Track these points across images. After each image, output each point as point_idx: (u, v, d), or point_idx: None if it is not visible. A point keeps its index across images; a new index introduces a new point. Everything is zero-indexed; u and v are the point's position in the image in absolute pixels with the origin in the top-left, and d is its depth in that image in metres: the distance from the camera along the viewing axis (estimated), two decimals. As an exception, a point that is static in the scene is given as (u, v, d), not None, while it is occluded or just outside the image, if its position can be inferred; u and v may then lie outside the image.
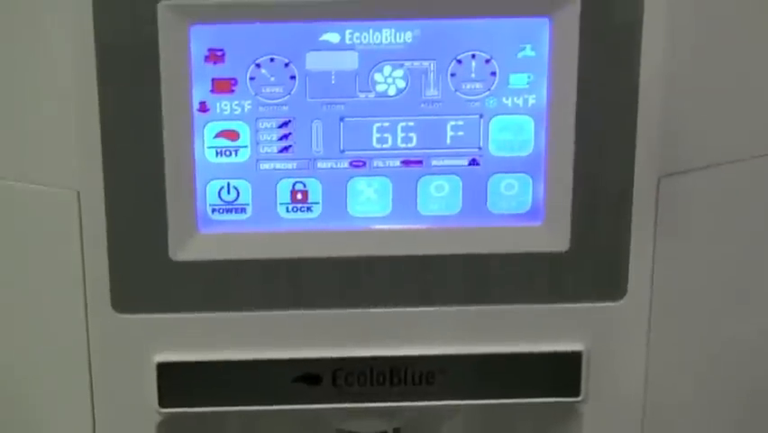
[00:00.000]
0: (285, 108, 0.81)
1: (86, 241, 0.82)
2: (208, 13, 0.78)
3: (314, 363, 0.85)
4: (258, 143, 0.82)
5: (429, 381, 0.85)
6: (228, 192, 0.83)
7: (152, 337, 0.85)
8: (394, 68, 0.80)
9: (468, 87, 0.81)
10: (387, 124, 0.82)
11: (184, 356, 0.85)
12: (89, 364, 0.85)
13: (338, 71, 0.80)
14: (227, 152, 0.82)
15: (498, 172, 0.83)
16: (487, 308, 0.85)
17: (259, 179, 0.83)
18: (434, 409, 0.88)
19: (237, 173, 0.82)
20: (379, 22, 0.80)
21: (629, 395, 0.88)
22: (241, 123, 0.81)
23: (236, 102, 0.81)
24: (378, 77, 0.80)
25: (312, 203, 0.83)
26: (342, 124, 0.81)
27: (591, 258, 0.84)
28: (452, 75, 0.80)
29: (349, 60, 0.80)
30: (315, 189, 0.83)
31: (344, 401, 0.86)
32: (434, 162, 0.83)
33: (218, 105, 0.81)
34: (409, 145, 0.82)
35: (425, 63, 0.80)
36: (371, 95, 0.81)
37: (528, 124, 0.82)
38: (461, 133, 0.82)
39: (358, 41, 0.80)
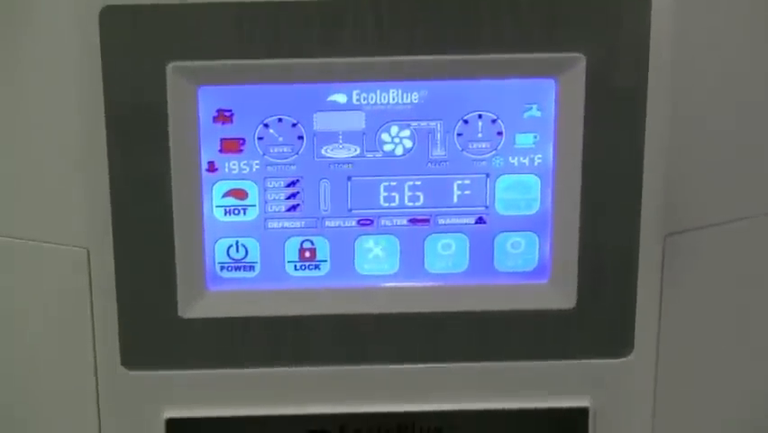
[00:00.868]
0: (293, 168, 0.81)
1: (96, 298, 0.82)
2: (217, 74, 0.78)
3: (322, 419, 0.85)
4: (266, 202, 0.81)
5: None
6: (237, 250, 0.82)
7: (161, 393, 0.84)
8: (401, 128, 0.80)
9: (474, 146, 0.81)
10: (394, 183, 0.82)
11: (193, 412, 0.85)
12: (99, 420, 0.85)
13: (345, 131, 0.80)
14: (235, 211, 0.82)
15: (504, 231, 0.83)
16: (494, 365, 0.84)
17: (267, 237, 0.82)
18: None
19: (245, 232, 0.82)
20: (386, 83, 0.80)
21: None
22: (249, 182, 0.81)
23: (244, 161, 0.81)
24: (385, 136, 0.80)
25: (320, 261, 0.83)
26: (349, 183, 0.81)
27: (598, 315, 0.83)
28: (459, 135, 0.80)
29: (356, 121, 0.80)
30: (323, 248, 0.82)
31: None
32: (441, 221, 0.82)
33: (226, 164, 0.81)
34: (416, 204, 0.82)
35: (432, 123, 0.80)
36: (378, 154, 0.81)
37: (534, 183, 0.81)
38: (467, 192, 0.82)
39: (365, 102, 0.80)
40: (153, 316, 0.82)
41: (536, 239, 0.83)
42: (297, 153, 0.80)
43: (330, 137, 0.80)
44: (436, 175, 0.81)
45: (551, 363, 0.84)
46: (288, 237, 0.82)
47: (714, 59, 0.82)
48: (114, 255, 0.81)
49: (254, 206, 0.81)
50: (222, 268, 0.82)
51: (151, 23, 0.77)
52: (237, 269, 0.83)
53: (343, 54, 0.78)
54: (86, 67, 0.78)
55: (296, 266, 0.83)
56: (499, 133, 0.80)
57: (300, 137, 0.80)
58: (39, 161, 0.82)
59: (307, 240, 0.82)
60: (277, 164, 0.81)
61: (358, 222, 0.82)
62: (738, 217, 0.86)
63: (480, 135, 0.80)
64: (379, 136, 0.80)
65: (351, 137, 0.80)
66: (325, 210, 0.82)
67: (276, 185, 0.81)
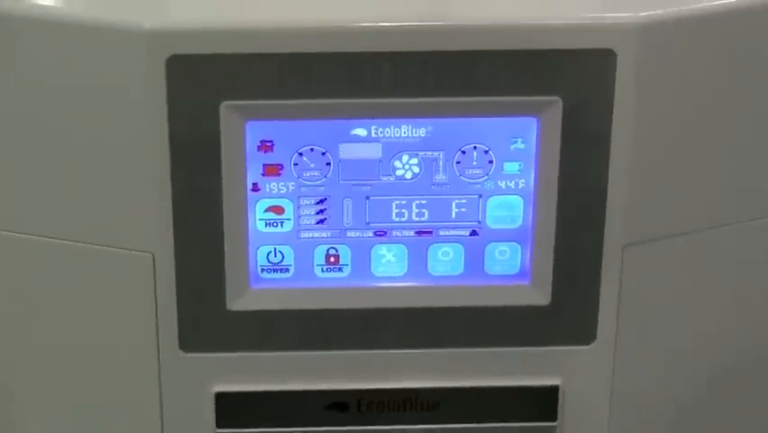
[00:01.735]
0: (321, 189, 0.81)
1: (159, 294, 0.82)
2: (261, 111, 0.78)
3: (342, 394, 0.85)
4: (299, 217, 0.82)
5: (434, 408, 0.86)
6: (274, 256, 0.82)
7: (212, 372, 0.85)
8: (410, 156, 0.80)
9: (470, 172, 0.81)
10: (404, 202, 0.82)
11: (237, 388, 0.85)
12: (160, 395, 0.85)
13: (365, 159, 0.81)
14: (274, 224, 0.82)
15: (493, 241, 0.83)
16: (482, 350, 0.85)
17: (299, 245, 0.83)
18: (438, 431, 0.89)
19: (282, 241, 0.82)
20: (398, 119, 0.80)
21: (597, 420, 0.87)
22: (285, 200, 0.81)
23: (282, 183, 0.81)
24: (397, 164, 0.80)
25: (342, 265, 0.83)
26: (367, 201, 0.81)
27: (568, 310, 0.84)
28: (458, 162, 0.81)
29: (374, 151, 0.80)
30: (345, 254, 0.83)
31: (368, 424, 0.86)
32: (442, 233, 0.82)
33: (267, 185, 0.81)
34: (422, 219, 0.82)
35: (436, 153, 0.80)
36: (392, 178, 0.81)
37: (518, 202, 0.82)
38: (463, 210, 0.82)
39: (381, 135, 0.80)
40: (206, 308, 0.83)
41: (519, 248, 0.83)
42: (326, 177, 0.81)
43: (352, 164, 0.81)
44: (438, 195, 0.82)
45: (529, 348, 0.85)
46: (317, 245, 0.83)
47: (672, 99, 0.81)
48: (174, 259, 0.81)
49: (289, 219, 0.82)
50: (262, 270, 0.82)
51: (209, 68, 0.77)
52: (275, 271, 0.83)
53: (364, 96, 0.78)
54: (155, 103, 0.78)
55: (322, 269, 0.83)
56: (490, 162, 0.80)
57: (328, 164, 0.80)
58: (117, 180, 0.82)
59: (332, 248, 0.83)
60: (308, 186, 0.81)
61: (374, 233, 0.82)
62: (685, 232, 0.85)
63: (474, 163, 0.81)
64: (393, 164, 0.81)
65: (369, 164, 0.81)
66: (348, 223, 0.82)
67: (307, 203, 0.81)
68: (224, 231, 0.81)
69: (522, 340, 0.84)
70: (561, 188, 0.81)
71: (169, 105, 0.77)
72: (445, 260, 0.83)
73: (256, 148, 0.79)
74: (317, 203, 0.81)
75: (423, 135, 0.80)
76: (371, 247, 0.83)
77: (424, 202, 0.82)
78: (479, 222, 0.82)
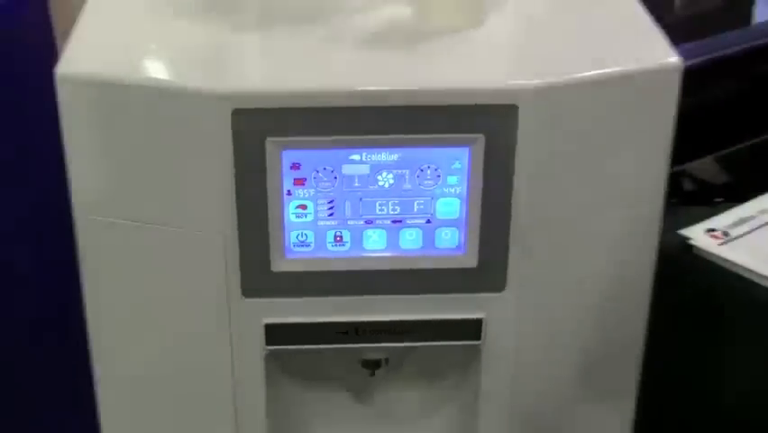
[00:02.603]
0: (331, 194, 0.82)
1: (228, 260, 0.83)
2: (292, 144, 0.80)
3: (346, 324, 0.86)
4: (317, 212, 0.83)
5: (403, 333, 0.87)
6: (301, 237, 0.84)
7: (262, 310, 0.85)
8: (387, 173, 0.82)
9: (426, 182, 0.82)
10: (384, 202, 0.83)
11: (279, 320, 0.86)
12: (230, 326, 0.85)
13: (359, 174, 0.82)
14: (301, 216, 0.83)
15: (441, 227, 0.84)
16: (434, 296, 0.86)
17: (317, 230, 0.83)
18: (404, 347, 0.89)
19: (306, 227, 0.83)
20: (379, 149, 0.81)
21: (506, 339, 0.87)
22: (308, 201, 0.82)
23: (306, 190, 0.82)
24: (379, 177, 0.82)
25: (345, 242, 0.84)
26: (360, 202, 0.83)
27: (488, 269, 0.85)
28: (417, 176, 0.82)
29: (364, 169, 0.82)
30: (346, 235, 0.84)
31: (362, 343, 0.87)
32: (408, 221, 0.84)
33: (297, 191, 0.82)
34: (395, 212, 0.83)
35: (403, 171, 0.82)
36: (376, 187, 0.82)
37: (457, 202, 0.83)
38: (422, 206, 0.83)
39: (369, 159, 0.81)
40: (258, 270, 0.83)
41: (458, 231, 0.84)
42: (333, 186, 0.82)
43: (350, 178, 0.82)
44: (406, 198, 0.83)
45: (464, 294, 0.86)
46: (328, 230, 0.83)
47: (557, 138, 0.81)
48: (238, 239, 0.82)
49: (311, 213, 0.83)
50: (293, 246, 0.84)
51: (258, 117, 0.78)
52: (301, 246, 0.84)
53: (358, 134, 0.80)
54: (224, 139, 0.79)
55: (332, 245, 0.84)
56: (438, 176, 0.82)
57: (335, 177, 0.82)
58: (203, 189, 0.81)
59: (338, 231, 0.84)
60: (323, 192, 0.82)
61: (365, 222, 0.84)
62: (572, 216, 0.85)
63: (428, 177, 0.82)
64: (376, 177, 0.82)
65: (361, 178, 0.82)
66: (348, 215, 0.83)
67: (322, 202, 0.83)
68: (269, 220, 0.82)
69: (460, 289, 0.86)
70: (483, 193, 0.82)
71: (233, 140, 0.79)
72: (410, 239, 0.84)
73: (289, 167, 0.81)
74: (328, 203, 0.83)
75: (395, 159, 0.81)
76: (363, 231, 0.84)
77: (396, 202, 0.83)
78: (432, 214, 0.84)
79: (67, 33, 0.83)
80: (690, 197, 1.10)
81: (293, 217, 0.83)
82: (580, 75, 0.80)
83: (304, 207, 0.83)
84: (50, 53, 0.96)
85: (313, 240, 0.84)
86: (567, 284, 0.88)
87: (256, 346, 0.86)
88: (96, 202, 0.84)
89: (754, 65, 1.08)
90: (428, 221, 0.84)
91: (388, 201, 0.84)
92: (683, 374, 1.04)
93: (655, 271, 0.89)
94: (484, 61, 0.84)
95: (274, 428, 0.90)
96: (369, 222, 0.84)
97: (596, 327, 0.90)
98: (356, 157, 0.82)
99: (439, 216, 0.84)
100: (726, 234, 1.00)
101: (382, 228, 0.84)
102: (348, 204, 0.84)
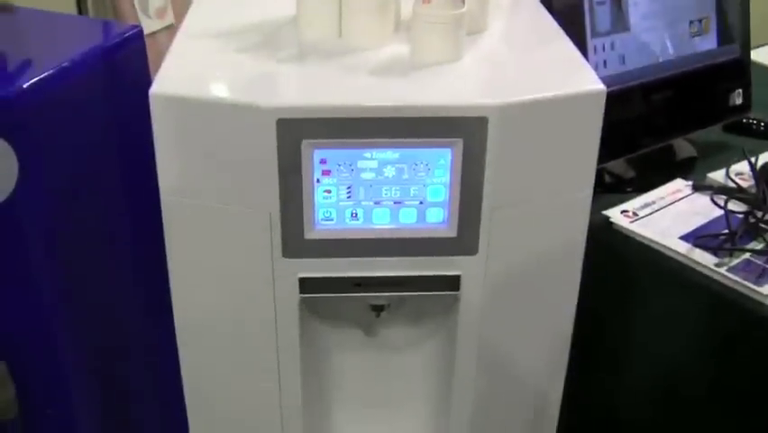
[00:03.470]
0: (349, 181, 0.83)
1: (272, 231, 0.83)
2: (321, 144, 0.81)
3: (360, 279, 0.87)
4: (338, 194, 0.84)
5: (401, 285, 0.87)
6: (326, 213, 0.84)
7: (298, 267, 0.86)
8: (391, 166, 0.83)
9: (419, 174, 0.83)
10: (388, 188, 0.84)
11: (310, 275, 0.86)
12: (273, 279, 0.86)
13: (370, 168, 0.83)
14: (327, 197, 0.84)
15: (430, 207, 0.85)
16: (424, 258, 0.86)
17: (339, 208, 0.85)
18: (401, 296, 0.89)
19: (330, 206, 0.84)
20: (384, 149, 0.82)
21: (478, 291, 0.87)
22: (333, 186, 0.83)
23: (330, 179, 0.83)
24: (385, 170, 0.83)
25: (359, 218, 0.85)
26: (371, 187, 0.84)
27: (465, 238, 0.85)
28: (412, 169, 0.83)
29: (374, 164, 0.83)
30: (360, 213, 0.85)
31: (371, 292, 0.88)
32: (406, 203, 0.84)
33: (324, 180, 0.83)
34: (397, 196, 0.84)
35: (403, 165, 0.83)
36: (382, 177, 0.83)
37: (443, 189, 0.84)
38: (416, 192, 0.84)
39: (377, 157, 0.82)
40: (295, 237, 0.84)
41: (443, 210, 0.85)
42: (351, 176, 0.83)
43: (364, 170, 0.83)
44: (404, 185, 0.84)
45: (446, 257, 0.86)
46: (347, 208, 0.84)
47: (522, 145, 0.82)
48: (280, 215, 0.83)
49: (334, 196, 0.84)
50: (321, 220, 0.84)
51: (297, 124, 0.79)
52: (326, 220, 0.84)
53: (369, 137, 0.81)
54: (270, 141, 0.80)
55: (350, 219, 0.85)
56: (429, 170, 0.83)
57: (352, 170, 0.83)
58: (256, 179, 0.82)
59: (354, 210, 0.85)
60: (343, 180, 0.83)
61: (374, 203, 0.84)
62: (536, 200, 0.85)
63: (421, 170, 0.83)
64: (382, 170, 0.83)
65: (372, 170, 0.83)
66: (362, 198, 0.84)
67: (342, 188, 0.84)
68: (303, 201, 0.83)
69: (443, 253, 0.86)
70: (462, 183, 0.83)
71: (277, 142, 0.80)
72: (408, 215, 0.85)
73: (318, 162, 0.82)
74: (347, 188, 0.84)
75: (397, 156, 0.83)
76: (372, 209, 0.85)
77: (397, 188, 0.84)
78: (423, 198, 0.85)
79: (156, 66, 0.86)
80: (609, 187, 1.13)
81: (321, 199, 0.84)
82: (532, 96, 0.82)
83: (329, 191, 0.84)
84: (145, 80, 0.99)
85: (335, 216, 0.85)
86: (523, 249, 0.89)
87: (293, 294, 0.87)
88: (178, 189, 0.85)
89: (655, 92, 1.12)
90: (421, 202, 0.85)
91: (391, 187, 0.85)
92: (602, 320, 1.06)
93: (586, 239, 0.91)
94: (462, 85, 0.85)
95: (305, 354, 0.91)
96: (377, 203, 0.85)
97: (541, 281, 0.91)
98: (368, 155, 0.83)
99: (429, 199, 0.85)
100: (635, 214, 1.04)
101: (387, 207, 0.85)
102: (362, 189, 0.85)
